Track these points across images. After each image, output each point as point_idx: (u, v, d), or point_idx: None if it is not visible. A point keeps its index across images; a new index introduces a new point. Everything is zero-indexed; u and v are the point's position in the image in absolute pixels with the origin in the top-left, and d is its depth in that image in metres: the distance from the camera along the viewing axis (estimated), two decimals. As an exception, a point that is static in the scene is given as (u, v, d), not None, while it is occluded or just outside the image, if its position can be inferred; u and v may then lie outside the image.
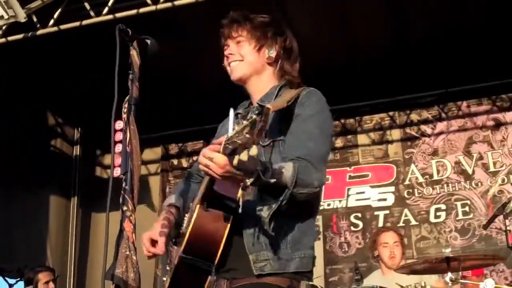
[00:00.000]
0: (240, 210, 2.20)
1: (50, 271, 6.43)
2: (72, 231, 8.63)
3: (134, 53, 2.14)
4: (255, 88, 2.68)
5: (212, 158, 2.11)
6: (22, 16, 5.65)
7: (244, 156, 1.97)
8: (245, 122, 1.97)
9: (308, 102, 2.49)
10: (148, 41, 2.31)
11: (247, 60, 2.64)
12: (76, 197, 8.80)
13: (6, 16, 5.66)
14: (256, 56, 2.66)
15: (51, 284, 6.25)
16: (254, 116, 1.96)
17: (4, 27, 6.67)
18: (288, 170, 2.22)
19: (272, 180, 2.16)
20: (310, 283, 2.45)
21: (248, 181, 2.13)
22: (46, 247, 8.01)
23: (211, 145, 2.17)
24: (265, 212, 2.22)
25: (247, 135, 1.95)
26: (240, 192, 2.19)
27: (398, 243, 5.70)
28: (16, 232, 7.47)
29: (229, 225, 2.32)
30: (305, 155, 2.34)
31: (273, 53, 2.67)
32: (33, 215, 7.93)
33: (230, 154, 2.04)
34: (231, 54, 2.66)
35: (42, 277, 6.23)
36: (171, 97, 8.04)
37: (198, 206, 2.32)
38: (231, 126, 2.31)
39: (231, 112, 2.47)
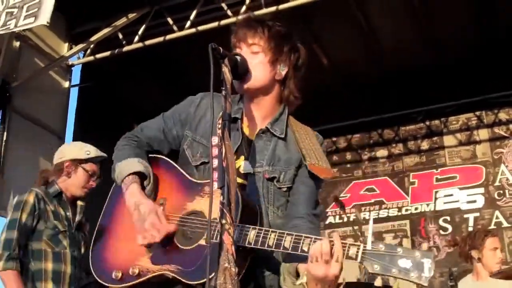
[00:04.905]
0: None
1: None
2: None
3: (226, 70, 2.17)
4: (258, 105, 2.52)
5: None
6: (45, 20, 5.56)
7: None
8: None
9: None
10: (238, 58, 2.35)
11: (259, 73, 2.45)
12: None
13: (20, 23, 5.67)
14: (268, 70, 2.47)
15: None
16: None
17: (92, 46, 7.00)
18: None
19: None
20: None
21: None
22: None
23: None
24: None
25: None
26: None
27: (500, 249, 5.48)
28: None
29: (246, 265, 2.28)
30: (318, 214, 2.51)
31: (284, 71, 2.49)
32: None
33: None
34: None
35: None
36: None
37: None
38: None
39: None
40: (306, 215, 2.44)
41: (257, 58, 2.46)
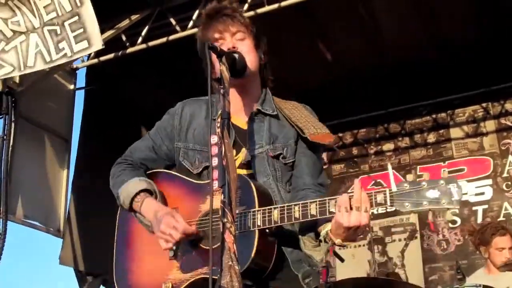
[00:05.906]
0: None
1: None
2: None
3: (223, 68, 2.17)
4: (246, 92, 2.54)
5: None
6: (100, 44, 5.61)
7: None
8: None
9: None
10: (236, 56, 2.35)
11: (252, 58, 2.48)
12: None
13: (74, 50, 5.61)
14: (256, 54, 2.51)
15: None
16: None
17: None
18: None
19: None
20: None
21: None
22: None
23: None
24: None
25: None
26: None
27: None
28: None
29: (276, 245, 2.30)
30: (324, 183, 2.53)
31: (261, 55, 2.55)
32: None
33: None
34: (234, 47, 2.45)
35: None
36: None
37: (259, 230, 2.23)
38: None
39: None
40: (312, 186, 2.47)
41: (245, 44, 2.49)
